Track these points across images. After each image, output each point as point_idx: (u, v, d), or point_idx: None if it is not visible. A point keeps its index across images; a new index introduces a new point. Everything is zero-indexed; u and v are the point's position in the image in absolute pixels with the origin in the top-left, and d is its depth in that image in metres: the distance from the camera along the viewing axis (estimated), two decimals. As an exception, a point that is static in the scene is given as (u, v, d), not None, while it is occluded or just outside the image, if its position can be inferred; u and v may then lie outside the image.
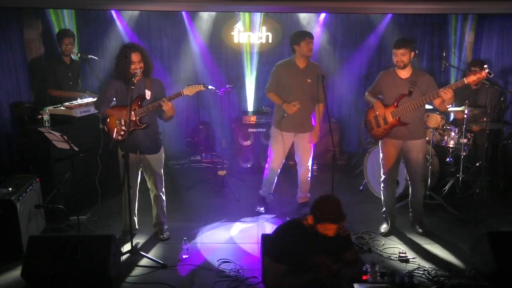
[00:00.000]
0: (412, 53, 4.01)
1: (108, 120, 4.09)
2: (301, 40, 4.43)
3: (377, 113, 4.14)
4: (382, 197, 4.39)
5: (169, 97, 3.90)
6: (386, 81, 4.17)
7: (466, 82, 3.77)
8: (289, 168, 5.71)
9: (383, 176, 4.32)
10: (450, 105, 4.16)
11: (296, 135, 4.64)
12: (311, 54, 4.48)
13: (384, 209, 4.42)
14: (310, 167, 4.78)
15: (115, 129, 4.03)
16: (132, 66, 3.82)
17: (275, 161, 4.74)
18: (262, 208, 4.84)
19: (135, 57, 3.83)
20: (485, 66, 3.74)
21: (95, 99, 4.90)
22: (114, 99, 4.07)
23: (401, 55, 3.97)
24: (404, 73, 4.06)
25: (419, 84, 4.00)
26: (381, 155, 4.30)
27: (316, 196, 4.81)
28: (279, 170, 4.80)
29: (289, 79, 4.52)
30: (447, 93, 3.81)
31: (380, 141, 4.29)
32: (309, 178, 4.80)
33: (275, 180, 4.85)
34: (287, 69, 4.56)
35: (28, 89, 5.75)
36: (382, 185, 4.35)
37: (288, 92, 4.52)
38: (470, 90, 5.18)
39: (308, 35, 4.46)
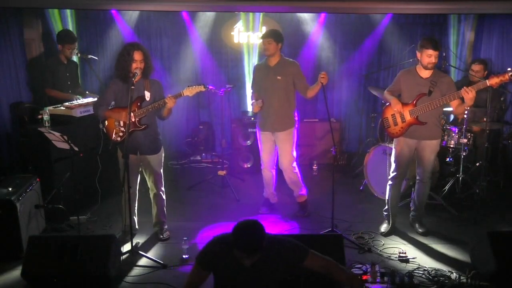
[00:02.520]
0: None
1: (107, 122, 4.09)
2: (261, 39, 4.52)
3: (395, 110, 4.13)
4: (387, 195, 4.38)
5: (171, 96, 3.91)
6: (407, 80, 4.13)
7: (488, 84, 3.74)
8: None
9: (392, 174, 4.31)
10: (468, 108, 4.13)
11: (274, 134, 4.61)
12: (268, 53, 4.46)
13: (386, 207, 4.42)
14: (294, 167, 4.64)
15: (114, 130, 4.03)
16: (134, 65, 3.82)
17: (263, 162, 4.74)
18: (264, 209, 4.84)
19: (137, 56, 3.83)
20: (509, 69, 3.68)
21: (95, 98, 4.92)
22: (113, 101, 4.07)
23: (435, 57, 3.92)
24: (426, 73, 4.03)
25: (439, 85, 3.98)
26: (393, 152, 4.29)
27: (317, 196, 4.88)
28: (272, 170, 4.76)
29: (261, 77, 4.58)
30: (468, 93, 3.75)
31: (395, 139, 4.28)
32: (298, 178, 4.68)
33: (274, 180, 4.82)
34: (259, 69, 4.64)
35: (28, 89, 5.74)
36: (390, 182, 4.34)
37: (261, 91, 4.57)
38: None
39: (263, 36, 4.48)
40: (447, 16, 6.44)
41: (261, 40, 6.26)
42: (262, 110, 4.52)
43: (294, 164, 4.65)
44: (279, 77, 4.46)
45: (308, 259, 2.66)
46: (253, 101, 4.60)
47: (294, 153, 4.63)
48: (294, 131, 4.61)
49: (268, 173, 4.77)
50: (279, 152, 4.66)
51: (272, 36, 4.43)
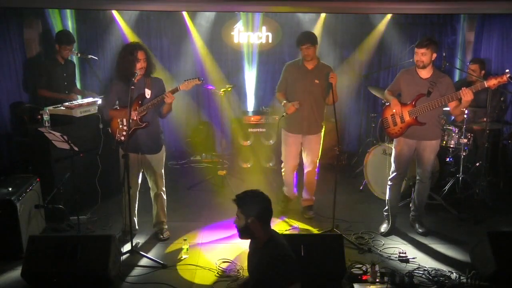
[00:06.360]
0: (434, 54, 3.95)
1: (111, 122, 4.10)
2: (298, 45, 4.41)
3: (394, 111, 4.13)
4: (387, 195, 4.39)
5: (168, 92, 3.92)
6: (406, 80, 4.14)
7: (486, 86, 3.75)
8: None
9: (392, 174, 4.31)
10: (466, 110, 4.12)
11: (304, 137, 4.59)
12: (310, 58, 4.40)
13: (386, 207, 4.42)
14: (316, 170, 4.71)
15: (118, 129, 4.04)
16: (138, 65, 3.83)
17: (287, 164, 4.73)
18: (283, 205, 4.86)
19: (141, 55, 3.85)
20: (507, 71, 3.68)
21: (95, 98, 4.93)
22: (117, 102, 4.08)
23: (421, 55, 3.93)
24: (425, 73, 4.04)
25: (438, 85, 3.98)
26: (393, 152, 4.30)
27: (317, 196, 4.88)
28: (294, 171, 4.78)
29: (296, 79, 4.49)
30: (466, 94, 3.76)
31: (395, 139, 4.28)
32: (315, 180, 4.76)
33: (294, 181, 4.84)
34: (295, 69, 4.53)
35: (26, 89, 5.73)
36: (389, 182, 4.35)
37: (295, 92, 4.49)
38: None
39: (303, 42, 4.35)
40: (447, 16, 6.44)
41: (260, 41, 6.46)
42: (295, 112, 4.43)
43: (318, 164, 4.70)
44: (317, 81, 4.41)
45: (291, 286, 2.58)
46: (285, 101, 4.48)
47: (319, 153, 4.66)
48: (323, 132, 4.62)
49: (290, 176, 4.77)
50: (307, 154, 4.64)
51: (310, 40, 4.34)
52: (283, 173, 4.84)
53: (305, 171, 4.75)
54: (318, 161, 4.69)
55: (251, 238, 2.75)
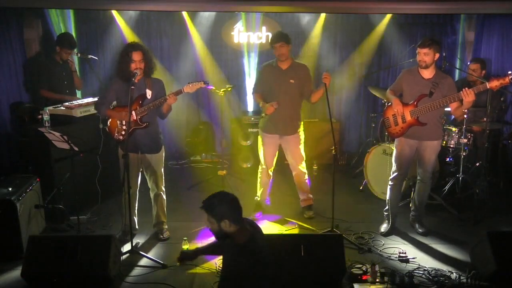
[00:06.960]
0: (437, 55, 3.95)
1: (109, 121, 4.09)
2: (271, 44, 4.40)
3: (396, 110, 4.13)
4: (388, 195, 4.38)
5: (172, 94, 3.93)
6: (408, 80, 4.13)
7: (488, 87, 3.74)
8: (287, 168, 5.70)
9: (393, 174, 4.31)
10: (466, 111, 4.14)
11: (281, 137, 4.57)
12: (284, 58, 4.38)
13: (386, 207, 4.42)
14: (304, 169, 4.69)
15: (116, 129, 4.04)
16: (133, 65, 3.83)
17: (266, 164, 4.70)
18: (258, 214, 4.77)
19: (136, 56, 3.83)
20: (510, 72, 3.67)
21: (96, 99, 4.92)
22: (115, 101, 4.08)
23: (424, 55, 3.93)
24: (427, 73, 4.03)
25: (440, 86, 3.97)
26: (394, 152, 4.30)
27: (317, 196, 4.89)
28: (271, 173, 4.75)
29: (271, 80, 4.47)
30: (468, 95, 3.75)
31: (396, 139, 4.28)
32: (306, 180, 4.74)
33: (270, 184, 4.82)
34: (269, 70, 4.52)
35: (26, 89, 5.73)
36: (390, 182, 4.34)
37: (271, 93, 4.46)
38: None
39: (276, 41, 4.34)
40: (447, 16, 6.45)
41: (260, 41, 6.46)
42: (273, 112, 4.42)
43: (304, 164, 4.67)
44: (292, 81, 4.40)
45: None
46: (263, 102, 4.45)
47: (304, 154, 4.64)
48: (301, 132, 4.60)
49: (268, 175, 4.74)
50: (289, 155, 4.63)
51: (283, 38, 4.34)
52: (259, 175, 4.79)
53: (293, 173, 4.73)
54: (302, 158, 4.63)
55: (227, 238, 2.74)
